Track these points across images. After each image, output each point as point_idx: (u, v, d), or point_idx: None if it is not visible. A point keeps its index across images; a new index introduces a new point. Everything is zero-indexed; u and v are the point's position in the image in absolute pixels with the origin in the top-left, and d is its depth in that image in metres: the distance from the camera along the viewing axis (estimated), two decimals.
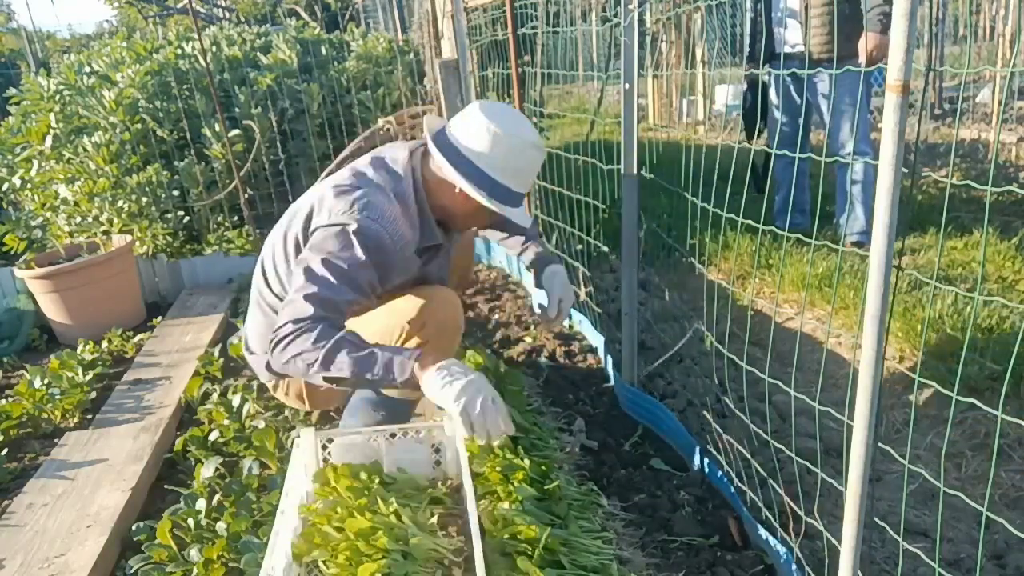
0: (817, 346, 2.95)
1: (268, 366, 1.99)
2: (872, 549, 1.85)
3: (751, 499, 1.90)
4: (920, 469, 1.37)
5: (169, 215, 4.13)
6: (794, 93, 3.98)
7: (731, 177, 1.80)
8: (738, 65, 7.57)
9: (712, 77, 7.52)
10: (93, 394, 2.79)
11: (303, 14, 9.63)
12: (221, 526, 1.78)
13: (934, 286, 1.35)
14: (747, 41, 4.10)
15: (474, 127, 1.80)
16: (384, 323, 1.91)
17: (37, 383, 2.71)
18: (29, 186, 4.17)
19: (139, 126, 4.10)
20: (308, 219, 1.89)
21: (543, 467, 1.86)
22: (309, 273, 1.71)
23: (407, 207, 1.86)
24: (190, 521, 1.82)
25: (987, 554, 1.84)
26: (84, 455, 2.30)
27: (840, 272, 3.30)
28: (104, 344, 3.27)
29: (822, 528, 1.58)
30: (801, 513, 1.64)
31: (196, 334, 3.28)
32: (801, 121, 3.91)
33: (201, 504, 1.87)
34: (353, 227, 1.74)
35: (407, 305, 1.91)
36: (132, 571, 1.73)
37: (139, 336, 3.38)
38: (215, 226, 4.31)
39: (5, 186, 4.24)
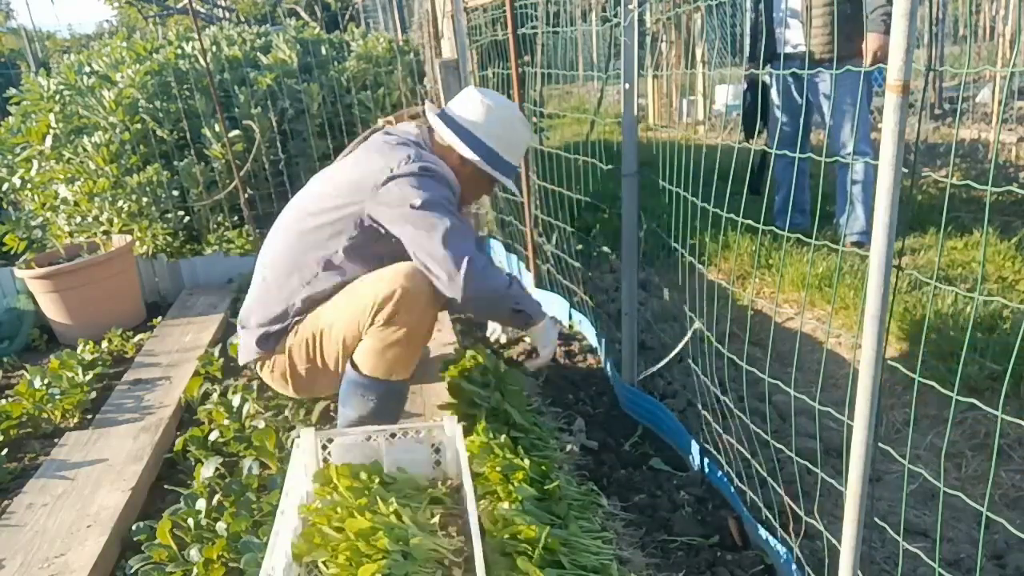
0: (817, 346, 2.95)
1: (260, 341, 2.12)
2: (872, 549, 1.85)
3: (751, 499, 1.90)
4: (920, 469, 1.37)
5: (169, 215, 4.13)
6: (795, 93, 3.98)
7: (731, 177, 1.80)
8: (738, 65, 7.57)
9: (712, 77, 7.52)
10: (93, 394, 2.79)
11: (303, 14, 9.64)
12: (221, 526, 1.78)
13: (934, 286, 1.35)
14: (748, 41, 4.10)
15: (469, 103, 2.13)
16: (365, 291, 1.99)
17: (37, 383, 2.70)
18: (29, 186, 4.17)
19: (139, 126, 4.10)
20: (360, 182, 2.01)
21: (543, 467, 1.86)
22: (425, 220, 1.92)
23: (441, 165, 2.09)
24: (190, 521, 1.81)
25: (987, 554, 1.84)
26: (84, 455, 2.30)
27: (840, 272, 3.30)
28: (104, 344, 3.27)
29: (822, 528, 1.58)
30: (801, 513, 1.64)
31: (196, 334, 3.28)
32: (801, 121, 3.91)
33: (201, 504, 1.86)
34: (421, 168, 1.98)
35: (389, 275, 1.98)
36: (132, 571, 1.73)
37: (139, 336, 3.38)
38: (215, 226, 4.31)
39: (5, 186, 4.24)
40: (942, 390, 1.26)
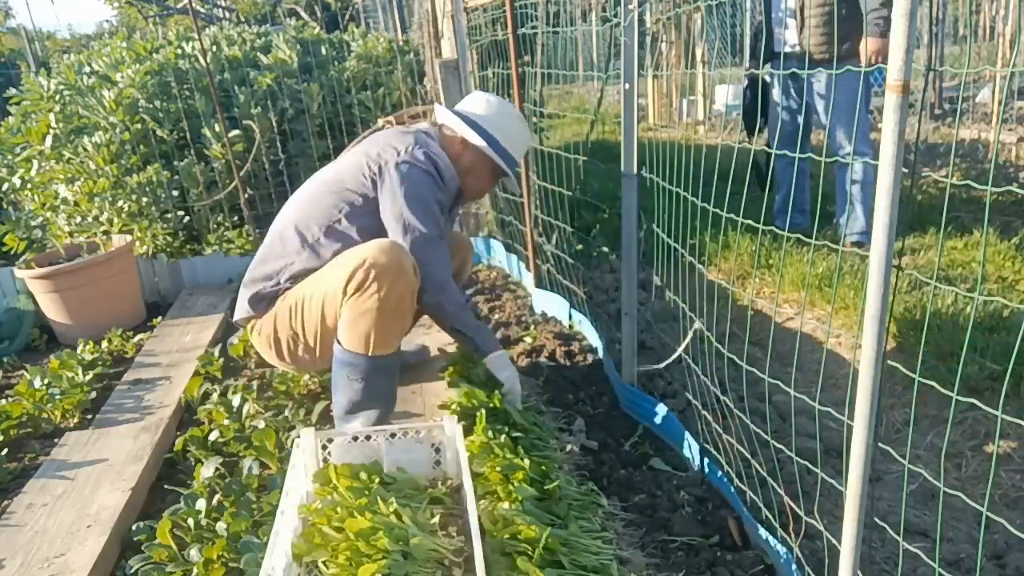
0: (817, 346, 2.95)
1: (252, 301, 2.20)
2: (872, 549, 1.85)
3: (751, 499, 1.90)
4: (920, 469, 1.37)
5: (169, 215, 4.13)
6: (793, 93, 3.98)
7: (731, 177, 1.81)
8: (738, 65, 7.57)
9: (712, 77, 7.52)
10: (93, 394, 2.79)
11: (303, 14, 9.64)
12: (221, 526, 1.78)
13: (934, 286, 1.35)
14: (749, 40, 4.11)
15: (475, 100, 2.33)
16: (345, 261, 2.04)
17: (37, 383, 2.70)
18: (29, 186, 4.17)
19: (139, 126, 4.10)
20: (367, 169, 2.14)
21: (543, 467, 1.86)
22: (408, 221, 2.08)
23: (444, 158, 2.22)
24: (190, 521, 1.81)
25: (987, 554, 1.84)
26: (84, 455, 2.30)
27: (840, 272, 3.30)
28: (104, 344, 3.27)
29: (822, 528, 1.58)
30: (801, 513, 1.64)
31: (196, 334, 3.28)
32: (801, 121, 3.92)
33: (201, 504, 1.86)
34: (419, 161, 2.13)
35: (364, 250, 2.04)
36: (132, 571, 1.73)
37: (139, 336, 3.38)
38: (215, 226, 4.31)
39: (5, 186, 4.24)
40: (942, 390, 1.26)
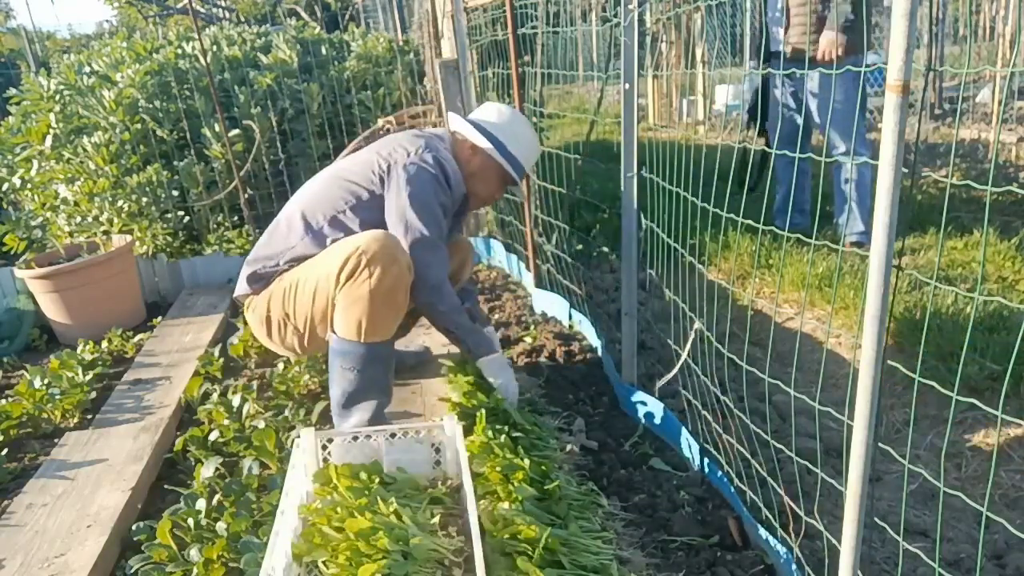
0: (817, 346, 2.95)
1: (251, 278, 2.24)
2: (872, 549, 1.85)
3: (751, 499, 1.90)
4: (920, 469, 1.37)
5: (169, 215, 4.13)
6: (788, 92, 3.98)
7: (731, 177, 1.81)
8: (738, 65, 7.57)
9: (712, 77, 7.52)
10: (93, 394, 2.79)
11: (303, 14, 9.63)
12: (221, 526, 1.78)
13: (934, 286, 1.35)
14: (753, 40, 4.12)
15: (488, 109, 2.38)
16: (339, 250, 2.06)
17: (37, 383, 2.70)
18: (29, 186, 4.17)
19: (139, 126, 4.10)
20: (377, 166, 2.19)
21: (543, 467, 1.86)
22: (411, 222, 2.11)
23: (452, 163, 2.27)
24: (190, 521, 1.81)
25: (987, 554, 1.84)
26: (84, 455, 2.30)
27: (840, 272, 3.30)
28: (104, 344, 3.27)
29: (822, 528, 1.58)
30: (801, 513, 1.64)
31: (196, 334, 3.28)
32: (800, 120, 3.91)
33: (201, 504, 1.86)
34: (428, 165, 2.17)
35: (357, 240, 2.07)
36: (132, 571, 1.73)
37: (139, 336, 3.38)
38: (215, 226, 4.31)
39: (5, 186, 4.24)
40: (942, 390, 1.26)
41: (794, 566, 1.65)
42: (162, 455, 2.34)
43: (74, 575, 1.75)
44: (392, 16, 7.96)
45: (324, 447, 1.87)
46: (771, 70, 3.67)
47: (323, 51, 4.74)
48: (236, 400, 2.42)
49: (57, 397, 2.64)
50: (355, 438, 1.86)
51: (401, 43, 5.10)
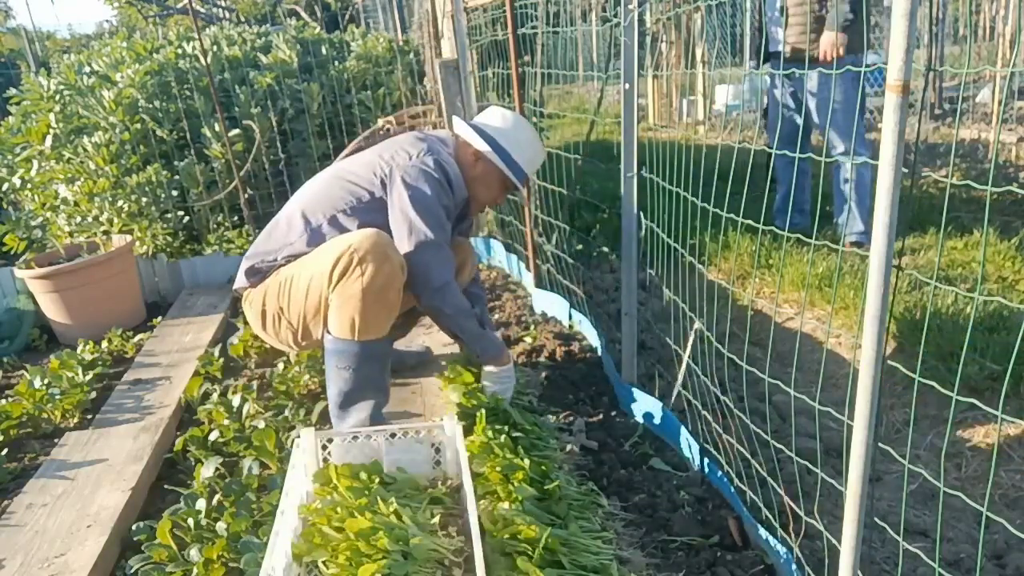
0: (817, 346, 2.95)
1: (248, 272, 2.25)
2: (872, 549, 1.85)
3: (751, 499, 1.90)
4: (920, 469, 1.37)
5: (169, 215, 4.13)
6: (788, 92, 3.98)
7: (731, 177, 1.80)
8: (738, 65, 7.57)
9: (712, 77, 7.51)
10: (93, 394, 2.79)
11: (303, 14, 9.63)
12: (221, 526, 1.78)
13: (934, 286, 1.35)
14: (753, 40, 4.12)
15: (493, 114, 2.36)
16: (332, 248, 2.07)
17: (37, 383, 2.70)
18: (29, 186, 4.17)
19: (139, 126, 4.10)
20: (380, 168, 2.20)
21: (543, 467, 1.86)
22: (414, 225, 2.11)
23: (453, 166, 2.27)
24: (190, 521, 1.81)
25: (987, 554, 1.84)
26: (84, 455, 2.30)
27: (840, 272, 3.30)
28: (104, 344, 3.27)
29: (822, 528, 1.58)
30: (801, 513, 1.64)
31: (196, 334, 3.28)
32: (800, 120, 3.91)
33: (201, 504, 1.86)
34: (430, 167, 2.17)
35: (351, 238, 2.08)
36: (132, 571, 1.73)
37: (139, 336, 3.38)
38: (215, 226, 4.31)
39: (5, 186, 4.24)
40: (942, 390, 1.26)
41: (794, 566, 1.65)
42: (162, 455, 2.34)
43: (74, 575, 1.75)
44: (392, 16, 7.96)
45: (324, 447, 1.87)
46: (771, 70, 3.68)
47: (323, 51, 4.74)
48: (236, 400, 2.42)
49: (57, 397, 2.64)
50: (355, 438, 1.87)
51: (401, 43, 5.10)
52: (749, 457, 1.88)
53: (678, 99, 8.11)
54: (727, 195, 1.77)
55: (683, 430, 2.23)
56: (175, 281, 4.08)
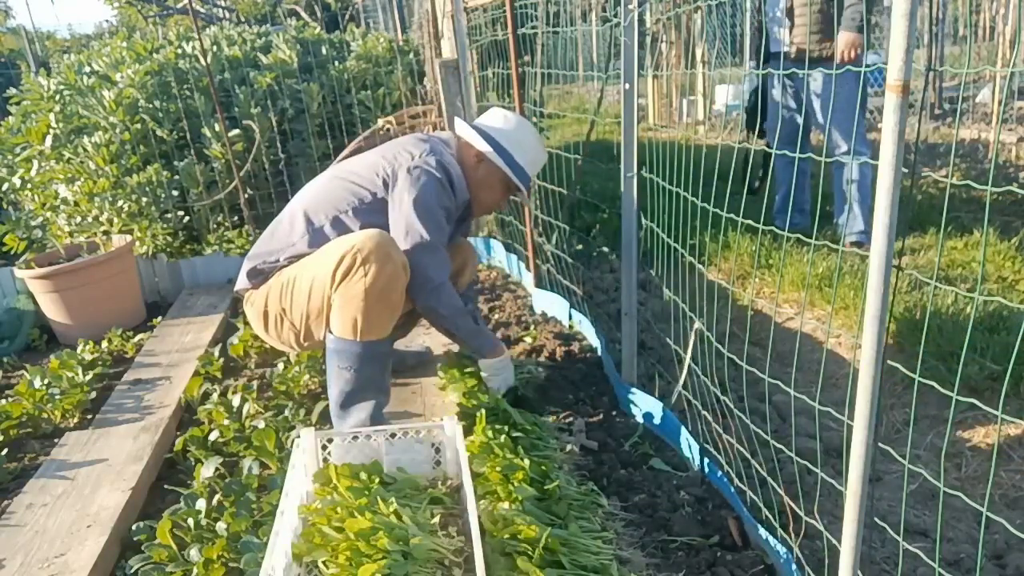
0: (817, 346, 2.95)
1: (251, 273, 2.26)
2: (872, 549, 1.85)
3: (751, 499, 1.90)
4: (920, 469, 1.37)
5: (169, 215, 4.13)
6: (790, 92, 3.98)
7: (731, 177, 1.80)
8: (738, 65, 7.57)
9: (712, 77, 7.51)
10: (93, 394, 2.79)
11: (303, 14, 9.63)
12: (221, 526, 1.78)
13: (934, 286, 1.35)
14: (752, 40, 4.12)
15: (495, 115, 2.36)
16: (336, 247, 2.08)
17: (37, 383, 2.70)
18: (29, 186, 4.17)
19: (139, 126, 4.10)
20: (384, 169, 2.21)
21: (543, 467, 1.86)
22: (413, 227, 2.12)
23: (456, 168, 2.27)
24: (190, 521, 1.81)
25: (987, 554, 1.84)
26: (84, 455, 2.30)
27: (840, 272, 3.30)
28: (104, 344, 3.27)
29: (822, 528, 1.58)
30: (801, 513, 1.64)
31: (196, 334, 3.28)
32: (800, 120, 3.91)
33: (201, 504, 1.86)
34: (431, 169, 2.17)
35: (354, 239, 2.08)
36: (132, 571, 1.73)
37: (139, 336, 3.38)
38: (215, 226, 4.31)
39: (5, 186, 4.24)
40: (942, 390, 1.26)
41: (794, 566, 1.65)
42: (162, 455, 2.34)
43: (74, 575, 1.75)
44: (392, 16, 7.96)
45: (324, 447, 1.87)
46: (771, 70, 3.68)
47: (323, 51, 4.74)
48: (236, 400, 2.42)
49: (57, 397, 2.64)
50: (355, 438, 1.87)
51: (401, 43, 5.10)
52: (749, 457, 1.88)
53: (678, 99, 8.11)
54: (727, 195, 1.77)
55: (683, 430, 2.23)
56: (175, 281, 4.08)
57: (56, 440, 2.43)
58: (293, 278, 2.15)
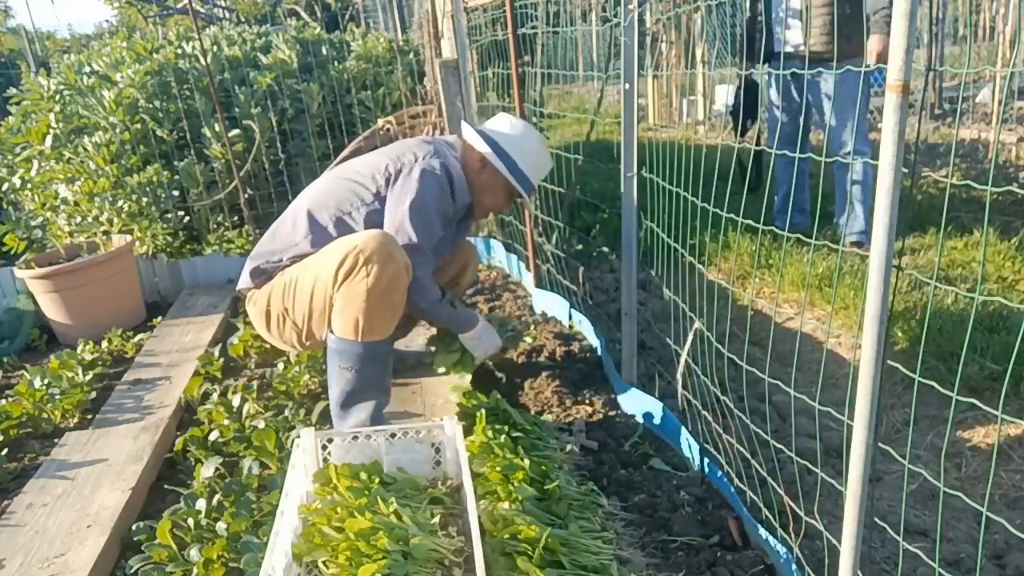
0: (817, 346, 2.95)
1: (253, 272, 2.26)
2: (872, 549, 1.85)
3: (751, 499, 1.90)
4: (920, 469, 1.37)
5: (169, 215, 4.13)
6: (794, 93, 3.98)
7: (731, 177, 1.80)
8: (737, 65, 7.56)
9: (712, 77, 7.51)
10: (93, 394, 2.79)
11: (303, 14, 9.63)
12: (221, 526, 1.78)
13: (934, 286, 1.35)
14: (747, 40, 4.11)
15: (500, 121, 2.36)
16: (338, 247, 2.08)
17: (37, 383, 2.70)
18: (29, 186, 4.17)
19: (139, 126, 4.10)
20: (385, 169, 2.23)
21: (543, 467, 1.86)
22: (405, 224, 2.14)
23: (458, 171, 2.28)
24: (190, 521, 1.81)
25: (987, 554, 1.84)
26: (84, 455, 2.30)
27: (840, 272, 3.30)
28: (104, 344, 3.27)
29: (822, 528, 1.58)
30: (801, 513, 1.64)
31: (196, 334, 3.28)
32: (801, 121, 3.91)
33: (201, 504, 1.86)
34: (431, 168, 2.19)
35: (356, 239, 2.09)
36: (132, 571, 1.73)
37: (139, 336, 3.38)
38: (215, 226, 4.31)
39: (5, 186, 4.24)
40: (942, 390, 1.26)
41: (794, 566, 1.65)
42: (162, 455, 2.34)
43: (74, 575, 1.75)
44: (392, 16, 7.96)
45: (324, 447, 1.87)
46: (770, 70, 3.68)
47: (323, 51, 4.73)
48: (236, 400, 2.42)
49: (57, 397, 2.64)
50: (355, 438, 1.87)
51: (401, 43, 5.10)
52: (749, 457, 1.88)
53: (678, 99, 8.11)
54: (727, 195, 1.77)
55: (683, 430, 2.23)
56: (175, 281, 4.08)
57: (56, 440, 2.43)
58: (295, 278, 2.15)
